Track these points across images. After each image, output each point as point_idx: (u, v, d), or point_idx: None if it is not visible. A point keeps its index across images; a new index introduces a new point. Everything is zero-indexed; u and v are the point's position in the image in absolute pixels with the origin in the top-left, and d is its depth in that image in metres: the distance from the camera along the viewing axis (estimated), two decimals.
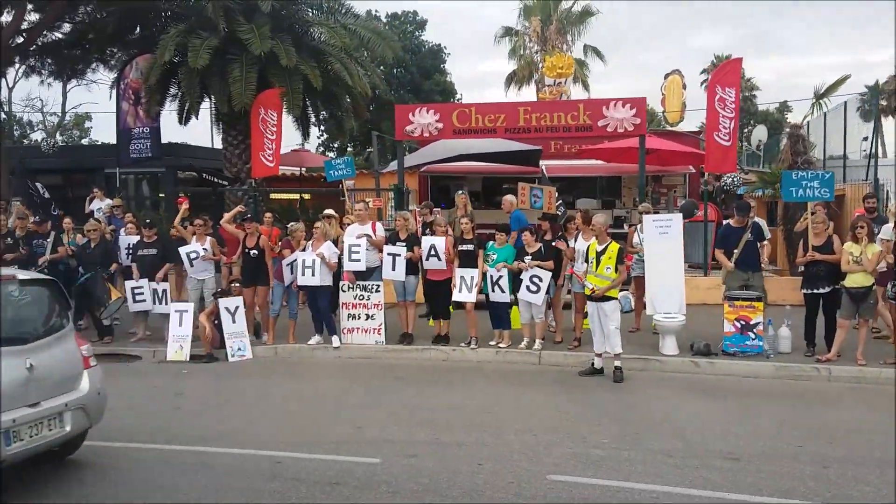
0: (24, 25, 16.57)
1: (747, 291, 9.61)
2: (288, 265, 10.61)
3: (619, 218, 17.35)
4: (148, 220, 11.61)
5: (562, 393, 8.25)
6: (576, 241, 10.06)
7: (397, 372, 9.45)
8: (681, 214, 10.10)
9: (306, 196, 18.76)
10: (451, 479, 5.50)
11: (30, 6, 16.04)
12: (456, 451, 6.13)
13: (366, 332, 10.58)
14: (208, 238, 11.43)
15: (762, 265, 10.31)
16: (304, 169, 20.58)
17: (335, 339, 10.54)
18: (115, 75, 16.32)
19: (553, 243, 10.24)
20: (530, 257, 9.86)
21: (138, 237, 11.54)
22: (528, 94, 33.22)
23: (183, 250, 11.11)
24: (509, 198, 12.92)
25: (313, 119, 17.45)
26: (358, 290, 10.56)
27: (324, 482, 5.42)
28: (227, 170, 16.47)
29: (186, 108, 16.84)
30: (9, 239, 11.40)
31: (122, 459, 6.03)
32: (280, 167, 16.36)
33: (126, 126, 15.33)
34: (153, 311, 11.22)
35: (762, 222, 10.69)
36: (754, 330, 9.46)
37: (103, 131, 55.16)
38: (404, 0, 68.53)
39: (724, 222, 11.05)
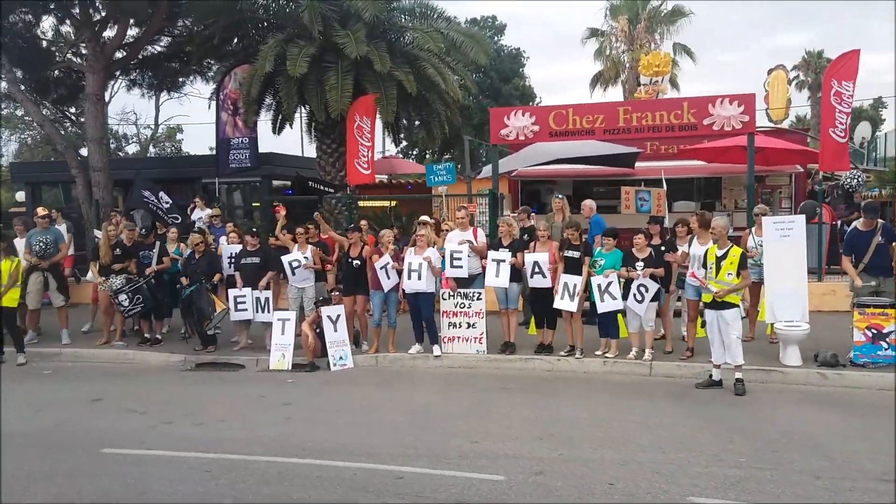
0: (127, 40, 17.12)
1: (879, 298, 8.96)
2: (381, 268, 10.47)
3: None
4: (254, 229, 11.70)
5: (679, 406, 7.82)
6: (689, 245, 9.60)
7: (502, 382, 9.19)
8: (803, 216, 9.48)
9: (390, 203, 18.81)
10: (583, 499, 5.19)
11: (132, 21, 16.55)
12: (583, 469, 5.82)
13: (467, 340, 10.36)
14: (310, 247, 11.47)
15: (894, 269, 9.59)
16: (389, 177, 20.62)
17: (436, 348, 10.36)
18: (214, 86, 16.67)
19: (662, 248, 9.81)
20: (642, 264, 9.46)
21: (241, 246, 11.67)
22: (615, 94, 32.56)
23: (285, 259, 11.17)
24: (588, 203, 12.61)
25: (405, 124, 17.38)
26: (459, 297, 10.36)
27: (451, 501, 5.20)
28: (322, 178, 16.56)
29: (280, 117, 17.08)
30: (117, 250, 11.70)
31: (241, 471, 5.95)
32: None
33: (225, 136, 15.63)
34: (255, 320, 11.31)
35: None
36: (887, 339, 8.80)
37: (194, 143, 56.99)
38: (481, 1, 68.11)
39: (852, 225, 10.35)
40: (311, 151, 21.24)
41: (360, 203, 16.30)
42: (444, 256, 10.37)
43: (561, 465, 5.94)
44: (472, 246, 10.35)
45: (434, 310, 10.48)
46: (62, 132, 18.19)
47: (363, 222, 13.16)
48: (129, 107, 70.86)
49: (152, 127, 46.41)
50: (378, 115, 14.92)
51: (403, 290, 10.60)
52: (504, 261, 10.03)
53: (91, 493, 5.47)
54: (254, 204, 18.96)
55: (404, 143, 27.91)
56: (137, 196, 14.90)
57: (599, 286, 9.67)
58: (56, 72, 18.98)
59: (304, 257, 11.19)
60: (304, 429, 7.20)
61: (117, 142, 46.51)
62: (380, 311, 10.80)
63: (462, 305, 10.35)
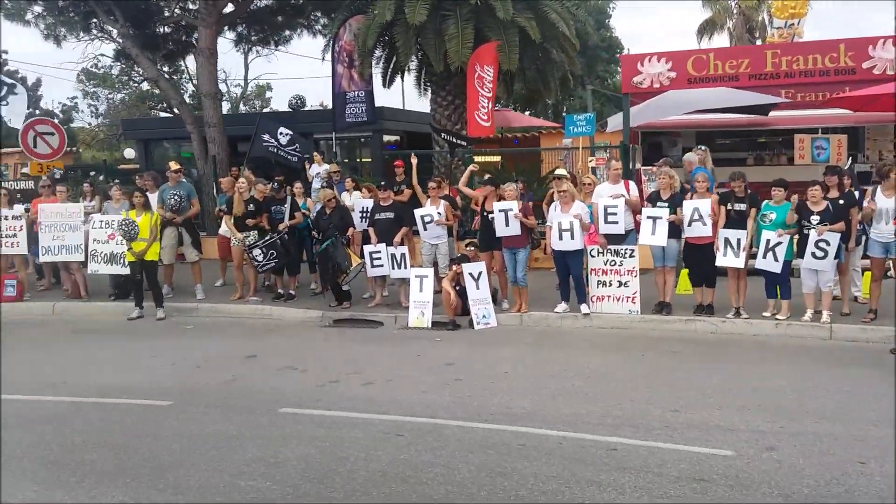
0: None
1: None
2: (501, 212, 9.91)
3: (865, 173, 15.39)
4: (383, 183, 11.34)
5: (884, 374, 7.07)
6: (873, 197, 8.72)
7: (666, 345, 8.60)
8: None
9: (494, 158, 18.18)
10: (839, 481, 4.61)
11: None
12: (819, 445, 5.22)
13: (618, 300, 9.77)
14: (442, 201, 11.06)
15: None
16: (501, 130, 19.94)
17: (584, 307, 9.82)
18: (328, 39, 16.28)
19: (840, 202, 8.96)
20: (818, 217, 8.66)
21: (372, 201, 11.35)
22: (721, 41, 30.82)
23: (418, 213, 10.81)
24: (689, 156, 11.77)
25: (525, 74, 16.60)
26: (610, 254, 9.76)
27: (685, 477, 4.71)
28: (437, 132, 16.08)
29: (391, 69, 16.61)
30: (251, 205, 11.52)
31: (434, 436, 5.59)
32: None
33: (341, 89, 15.25)
34: (391, 277, 11.01)
35: None
36: None
37: (282, 101, 57.38)
38: None
39: None
40: (414, 105, 20.85)
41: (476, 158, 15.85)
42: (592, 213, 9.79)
43: (789, 439, 5.35)
44: (626, 200, 9.71)
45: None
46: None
47: (487, 176, 12.65)
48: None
49: (241, 85, 46.86)
50: (501, 64, 14.21)
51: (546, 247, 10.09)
52: (661, 218, 9.35)
53: (291, 458, 5.20)
54: (361, 160, 18.66)
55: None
56: (258, 144, 14.75)
57: (769, 241, 8.93)
58: (164, 28, 18.98)
59: (438, 213, 10.80)
60: (478, 391, 6.80)
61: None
62: (513, 267, 10.30)
63: (613, 263, 9.75)
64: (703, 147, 11.21)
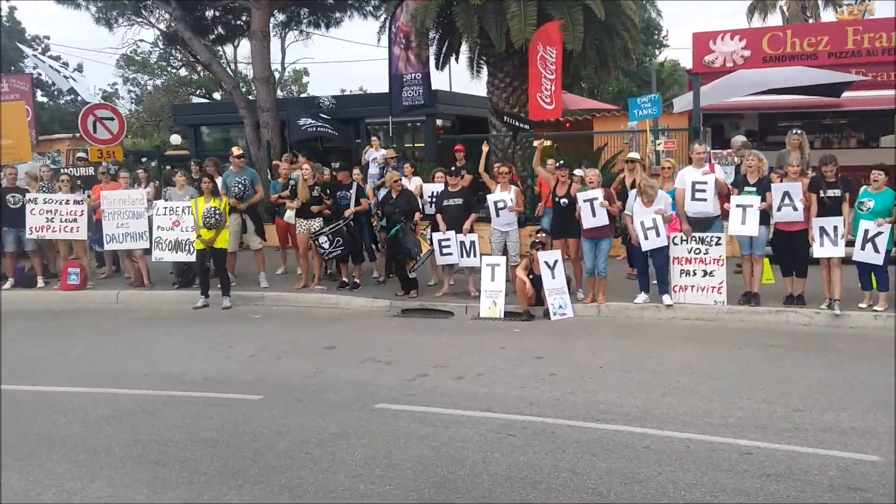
0: None
1: None
2: (587, 202, 9.56)
3: None
4: (453, 168, 11.02)
5: None
6: None
7: (758, 338, 8.21)
8: None
9: (547, 143, 17.71)
10: None
11: None
12: None
13: (702, 290, 9.37)
14: (512, 187, 10.74)
15: None
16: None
17: (666, 297, 9.45)
18: (385, 20, 15.94)
19: None
20: None
21: (441, 185, 11.06)
22: (774, 21, 29.92)
23: (491, 198, 10.49)
24: (738, 139, 11.46)
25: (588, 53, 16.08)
26: (694, 242, 9.36)
27: (838, 486, 4.36)
28: (494, 116, 15.70)
29: (443, 51, 16.22)
30: (315, 190, 11.29)
31: (548, 436, 5.30)
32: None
33: (398, 72, 14.92)
34: (460, 265, 10.73)
35: None
36: None
37: (319, 86, 57.22)
38: None
39: None
40: (462, 88, 20.44)
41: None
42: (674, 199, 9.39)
43: None
44: (716, 179, 9.28)
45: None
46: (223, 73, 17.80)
47: (550, 161, 12.27)
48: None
49: (279, 70, 46.68)
50: (565, 43, 13.76)
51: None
52: (752, 206, 8.92)
53: (405, 459, 4.94)
54: (416, 144, 18.34)
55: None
56: (296, 130, 14.57)
57: (867, 231, 8.48)
58: (213, 11, 18.78)
59: (511, 198, 10.48)
60: (579, 387, 6.48)
61: (246, 85, 47.14)
62: (593, 257, 9.93)
63: (698, 251, 9.35)
64: (797, 131, 10.56)
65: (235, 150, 11.78)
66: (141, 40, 39.16)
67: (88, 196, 11.90)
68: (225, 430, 5.63)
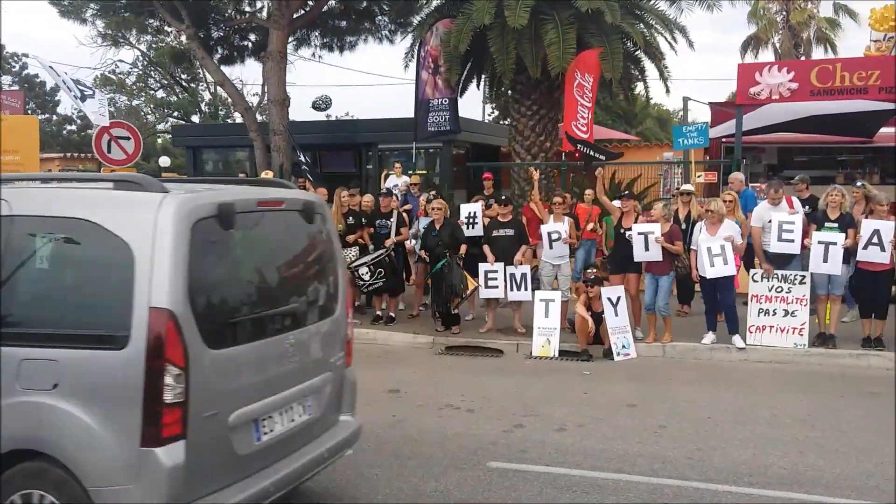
0: None
1: None
2: (640, 234, 9.09)
3: None
4: (504, 197, 10.45)
5: None
6: None
7: (849, 384, 7.71)
8: None
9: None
10: None
11: None
12: None
13: (783, 331, 8.87)
14: (566, 218, 10.21)
15: None
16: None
17: (737, 339, 8.93)
18: (411, 44, 15.41)
19: None
20: None
21: (479, 205, 10.56)
22: (766, 57, 30.20)
23: (544, 229, 9.97)
24: (738, 175, 11.16)
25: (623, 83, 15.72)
26: (775, 280, 8.87)
27: None
28: (519, 143, 15.24)
29: (463, 77, 15.72)
30: (350, 218, 10.63)
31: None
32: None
33: (425, 97, 14.35)
34: (509, 299, 10.11)
35: None
36: None
37: (301, 110, 56.52)
38: None
39: None
40: (470, 115, 19.98)
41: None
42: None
43: None
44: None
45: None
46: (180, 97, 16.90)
47: (588, 192, 11.81)
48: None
49: (259, 94, 45.84)
50: (603, 72, 13.38)
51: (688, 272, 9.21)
52: (836, 244, 8.48)
53: None
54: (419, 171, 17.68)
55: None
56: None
57: None
58: (220, 30, 18.11)
59: (565, 230, 9.95)
60: (703, 443, 5.88)
61: (225, 108, 46.15)
62: (653, 294, 9.40)
63: (779, 290, 8.87)
64: (860, 183, 10.08)
65: (268, 174, 11.06)
66: (120, 61, 38.29)
67: None
68: (333, 496, 4.90)
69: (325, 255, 4.58)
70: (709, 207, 9.11)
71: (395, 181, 14.17)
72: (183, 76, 40.29)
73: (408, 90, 15.19)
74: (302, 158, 15.12)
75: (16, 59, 37.40)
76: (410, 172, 14.41)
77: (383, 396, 7.37)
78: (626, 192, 10.10)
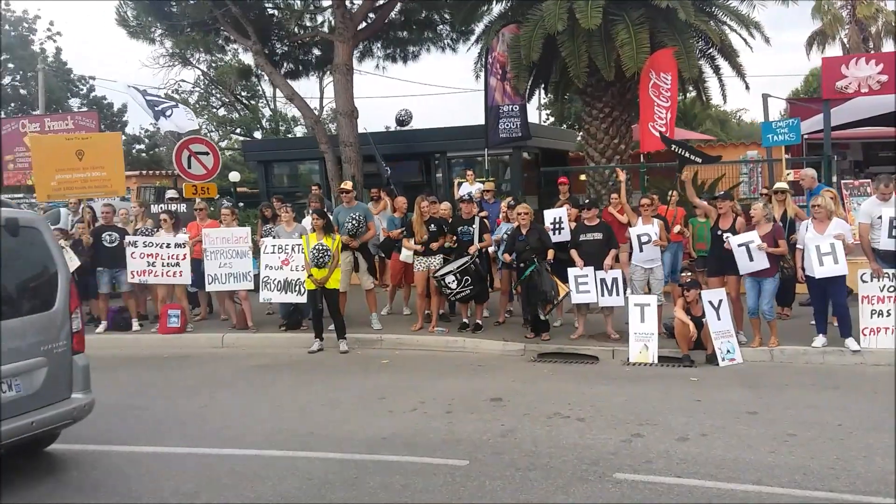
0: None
1: None
2: (741, 246, 8.69)
3: None
4: (587, 200, 10.19)
5: None
6: None
7: None
8: None
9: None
10: None
11: None
12: None
13: None
14: (655, 220, 9.88)
15: None
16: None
17: (851, 341, 8.48)
18: (480, 51, 15.29)
19: None
20: None
21: (564, 210, 10.32)
22: (833, 52, 29.25)
23: (634, 232, 9.67)
24: (809, 172, 10.78)
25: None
26: (887, 280, 8.41)
27: None
28: (593, 147, 14.95)
29: (530, 82, 15.50)
30: (432, 226, 10.49)
31: None
32: None
33: (494, 103, 14.20)
34: (600, 304, 9.82)
35: None
36: None
37: (371, 121, 57.05)
38: None
39: None
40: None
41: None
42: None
43: None
44: None
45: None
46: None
47: (673, 193, 11.44)
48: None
49: (318, 108, 46.35)
50: (680, 71, 13.02)
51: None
52: None
53: None
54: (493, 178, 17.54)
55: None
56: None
57: None
58: (285, 45, 18.27)
59: (655, 232, 9.63)
60: (843, 452, 5.49)
61: (286, 124, 46.78)
62: (756, 296, 9.00)
63: (892, 289, 8.40)
64: None
65: (346, 186, 11.02)
66: (182, 80, 39.14)
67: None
68: None
69: (36, 262, 5.61)
70: (816, 203, 8.72)
71: (468, 189, 14.02)
72: (243, 94, 41.19)
73: (464, 98, 15.22)
74: (387, 169, 15.10)
75: (83, 81, 38.50)
76: (483, 179, 14.23)
77: (487, 405, 7.17)
78: (724, 193, 9.71)
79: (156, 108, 12.28)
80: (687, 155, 9.67)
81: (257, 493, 5.06)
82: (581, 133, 15.37)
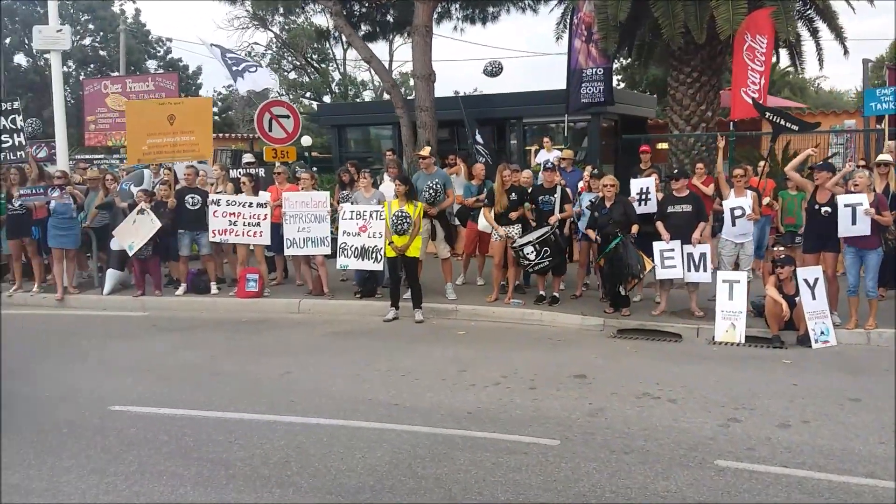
0: None
1: None
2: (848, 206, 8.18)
3: None
4: (676, 170, 9.78)
5: None
6: None
7: None
8: None
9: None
10: None
11: None
12: None
13: None
14: (749, 192, 9.43)
15: None
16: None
17: None
18: (563, 12, 14.83)
19: None
20: None
21: (652, 180, 9.96)
22: None
23: (728, 204, 9.28)
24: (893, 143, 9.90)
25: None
26: None
27: None
28: (678, 114, 14.37)
29: (636, 43, 14.90)
30: (512, 194, 10.24)
31: None
32: None
33: (577, 66, 13.76)
34: (686, 280, 9.47)
35: None
36: None
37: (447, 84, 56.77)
38: None
39: None
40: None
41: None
42: None
43: None
44: None
45: None
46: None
47: (762, 163, 10.91)
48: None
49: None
50: (777, 32, 12.32)
51: None
52: None
53: None
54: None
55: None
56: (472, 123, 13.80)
57: None
58: (364, 5, 18.07)
59: (748, 205, 9.20)
60: None
61: (355, 88, 46.85)
62: (857, 272, 8.52)
63: None
64: None
65: (425, 151, 10.82)
66: (255, 43, 39.46)
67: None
68: (552, 489, 4.57)
69: None
70: None
71: (546, 156, 13.70)
72: (314, 57, 41.31)
73: (534, 63, 14.66)
74: (478, 138, 14.83)
75: (160, 43, 39.16)
76: (561, 147, 13.87)
77: (571, 381, 6.98)
78: (822, 163, 9.17)
79: (235, 68, 12.29)
80: (783, 123, 9.11)
81: (347, 465, 5.01)
82: (667, 99, 14.71)
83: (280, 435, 5.60)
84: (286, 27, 40.09)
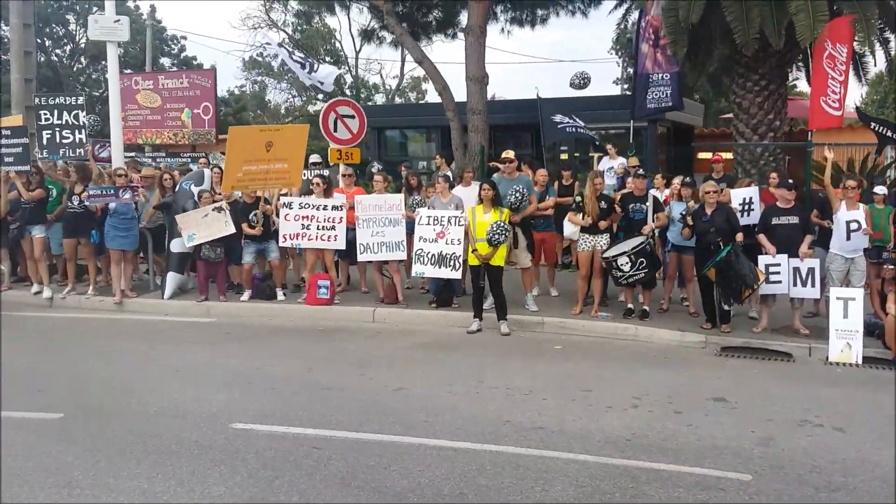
0: None
1: None
2: None
3: None
4: (790, 181, 9.34)
5: None
6: None
7: None
8: None
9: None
10: None
11: None
12: None
13: None
14: (861, 205, 9.00)
15: None
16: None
17: None
18: (621, 15, 14.45)
19: None
20: None
21: (754, 190, 9.54)
22: None
23: (842, 217, 8.81)
24: None
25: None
26: None
27: None
28: (743, 122, 13.95)
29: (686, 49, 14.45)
30: (602, 203, 9.77)
31: None
32: None
33: (644, 71, 13.35)
34: (792, 295, 9.01)
35: None
36: None
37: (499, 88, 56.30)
38: None
39: None
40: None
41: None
42: None
43: None
44: None
45: None
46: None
47: (851, 183, 10.46)
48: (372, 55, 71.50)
49: (397, 77, 45.85)
50: (856, 42, 11.97)
51: None
52: None
53: None
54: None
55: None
56: (552, 128, 13.18)
57: None
58: (411, 5, 17.60)
59: (863, 218, 8.77)
60: None
61: (367, 91, 46.37)
62: None
63: None
64: None
65: (509, 154, 10.32)
66: (268, 43, 38.93)
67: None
68: None
69: None
70: None
71: (609, 164, 13.25)
72: (327, 59, 40.86)
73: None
74: (578, 121, 14.10)
75: (175, 41, 38.59)
76: (629, 154, 13.42)
77: (713, 405, 6.50)
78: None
79: (304, 69, 11.82)
80: (890, 134, 8.68)
81: (529, 498, 4.50)
82: (731, 106, 14.31)
83: (435, 461, 5.09)
84: (299, 28, 39.68)
